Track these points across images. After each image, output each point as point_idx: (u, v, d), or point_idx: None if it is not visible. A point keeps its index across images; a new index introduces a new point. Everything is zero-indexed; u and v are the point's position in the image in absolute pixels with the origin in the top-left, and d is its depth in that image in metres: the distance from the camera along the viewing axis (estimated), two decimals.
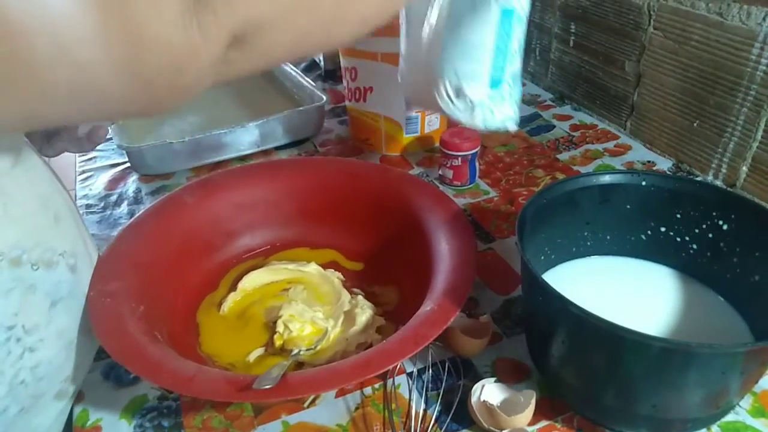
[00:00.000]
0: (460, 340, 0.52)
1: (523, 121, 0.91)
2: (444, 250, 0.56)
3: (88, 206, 0.80)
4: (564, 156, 0.86)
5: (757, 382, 0.46)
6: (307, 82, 0.99)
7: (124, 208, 0.79)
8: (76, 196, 0.82)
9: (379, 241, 0.66)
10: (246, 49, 0.34)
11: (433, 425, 0.48)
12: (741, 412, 0.48)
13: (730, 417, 0.48)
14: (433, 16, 0.55)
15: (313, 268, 0.63)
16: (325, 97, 0.91)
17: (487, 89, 0.55)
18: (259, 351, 0.55)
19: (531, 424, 0.47)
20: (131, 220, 0.64)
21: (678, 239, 0.55)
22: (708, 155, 0.77)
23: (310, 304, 0.58)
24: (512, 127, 0.57)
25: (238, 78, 0.37)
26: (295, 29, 0.35)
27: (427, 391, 0.51)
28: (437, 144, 0.84)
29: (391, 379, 0.52)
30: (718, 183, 0.76)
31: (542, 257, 0.56)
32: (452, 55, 0.54)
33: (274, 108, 0.93)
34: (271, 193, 0.68)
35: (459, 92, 0.55)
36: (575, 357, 0.46)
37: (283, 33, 0.35)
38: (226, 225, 0.66)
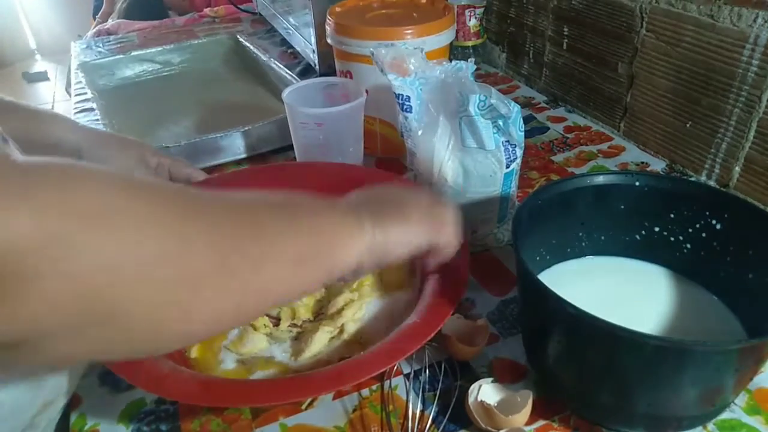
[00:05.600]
0: (455, 347, 0.53)
1: None
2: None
3: None
4: (558, 157, 0.86)
5: (751, 379, 0.47)
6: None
7: None
8: None
9: None
10: (23, 352, 0.28)
11: (431, 426, 0.48)
12: (736, 410, 0.49)
13: (725, 415, 0.48)
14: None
15: None
16: None
17: (494, 226, 0.66)
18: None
19: (528, 423, 0.48)
20: None
21: (672, 239, 0.55)
22: (701, 156, 0.78)
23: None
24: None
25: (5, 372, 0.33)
26: (94, 342, 0.29)
27: (424, 392, 0.51)
28: None
29: (388, 381, 0.52)
30: (712, 183, 0.77)
31: (537, 258, 0.56)
32: (465, 210, 0.59)
33: (270, 111, 0.94)
34: None
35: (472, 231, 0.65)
36: (571, 356, 0.46)
37: (73, 344, 0.29)
38: None
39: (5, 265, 0.24)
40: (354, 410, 0.50)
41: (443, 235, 0.48)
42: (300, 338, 0.55)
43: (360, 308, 0.56)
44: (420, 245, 0.46)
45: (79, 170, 0.28)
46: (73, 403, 0.51)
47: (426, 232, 0.46)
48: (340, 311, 0.55)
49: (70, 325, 0.27)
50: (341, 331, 0.54)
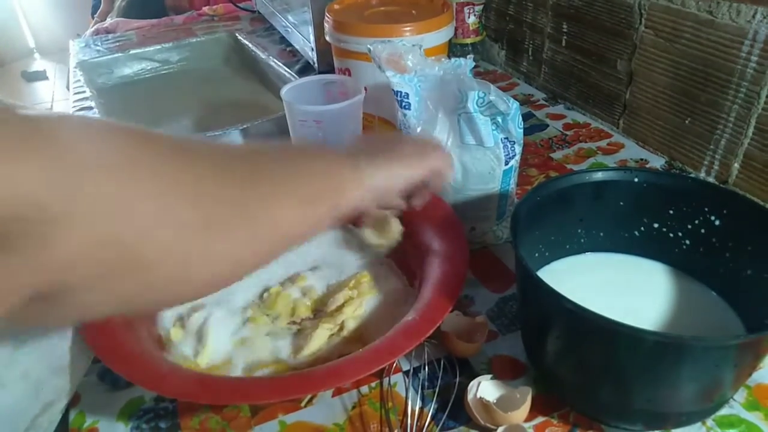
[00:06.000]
0: (454, 343, 0.53)
1: None
2: (435, 251, 0.57)
3: None
4: (557, 155, 0.86)
5: (750, 375, 0.47)
6: None
7: None
8: None
9: None
10: (53, 305, 0.28)
11: (430, 423, 0.48)
12: (735, 406, 0.49)
13: (724, 410, 0.48)
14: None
15: None
16: None
17: (493, 223, 0.67)
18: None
19: (527, 420, 0.48)
20: None
21: (671, 235, 0.55)
22: (700, 152, 0.78)
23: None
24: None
25: (42, 325, 0.34)
26: (119, 294, 0.30)
27: (423, 389, 0.51)
28: None
29: (388, 378, 0.52)
30: (711, 179, 0.77)
31: (536, 254, 0.56)
32: (464, 207, 0.64)
33: (269, 109, 0.94)
34: None
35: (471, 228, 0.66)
36: (570, 353, 0.46)
37: (104, 296, 0.29)
38: None
39: (26, 215, 0.24)
40: (353, 407, 0.50)
41: (435, 159, 0.51)
42: (299, 335, 0.55)
43: (360, 305, 0.56)
44: (416, 176, 0.49)
45: (92, 122, 0.29)
46: (72, 401, 0.51)
47: (419, 163, 0.49)
48: (339, 308, 0.55)
49: (97, 274, 0.27)
50: (341, 328, 0.54)
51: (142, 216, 0.28)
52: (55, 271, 0.26)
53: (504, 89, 1.06)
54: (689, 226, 0.54)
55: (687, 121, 0.78)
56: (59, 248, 0.25)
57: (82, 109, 1.05)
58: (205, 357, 0.52)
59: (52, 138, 0.25)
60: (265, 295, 0.58)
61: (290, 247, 0.40)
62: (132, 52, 1.25)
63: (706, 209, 0.52)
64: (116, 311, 0.32)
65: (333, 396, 0.51)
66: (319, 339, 0.53)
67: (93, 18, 2.66)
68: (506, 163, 0.61)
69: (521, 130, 0.61)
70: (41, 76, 3.71)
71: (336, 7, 0.86)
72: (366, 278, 0.59)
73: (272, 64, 1.10)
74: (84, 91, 1.08)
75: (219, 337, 0.54)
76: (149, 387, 0.46)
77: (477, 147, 0.60)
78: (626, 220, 0.56)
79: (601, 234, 0.58)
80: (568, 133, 0.92)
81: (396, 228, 0.59)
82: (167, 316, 0.56)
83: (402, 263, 0.62)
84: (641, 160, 0.84)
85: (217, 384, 0.46)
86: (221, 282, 0.35)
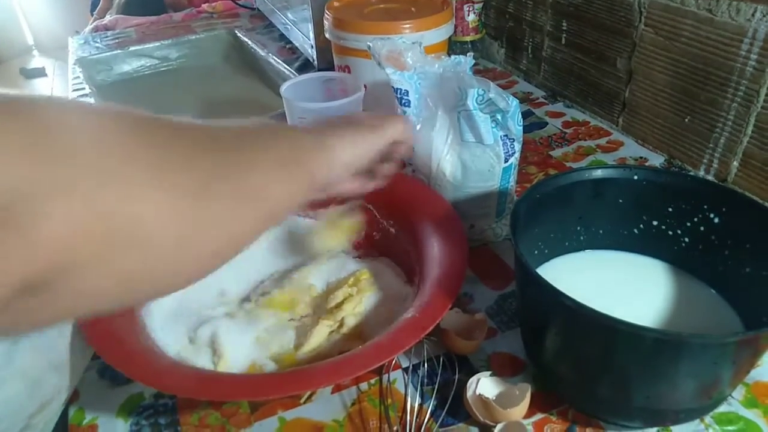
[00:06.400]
0: (454, 341, 0.53)
1: None
2: (434, 249, 0.57)
3: None
4: (557, 152, 0.86)
5: (748, 372, 0.47)
6: None
7: None
8: None
9: (371, 239, 0.66)
10: (44, 298, 0.26)
11: (429, 419, 0.48)
12: (734, 403, 0.49)
13: (723, 408, 0.48)
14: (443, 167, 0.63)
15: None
16: None
17: (492, 221, 0.67)
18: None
19: (526, 417, 0.48)
20: None
21: (670, 233, 0.55)
22: (699, 150, 0.78)
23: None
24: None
25: (35, 328, 0.33)
26: (119, 274, 0.28)
27: (422, 385, 0.51)
28: None
29: (387, 375, 0.52)
30: (710, 177, 0.77)
31: (536, 252, 0.56)
32: (463, 204, 0.64)
33: (268, 106, 0.94)
34: None
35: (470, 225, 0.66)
36: (569, 350, 0.46)
37: (102, 279, 0.27)
38: None
39: (16, 191, 0.23)
40: (353, 404, 0.50)
41: (395, 126, 0.51)
42: (300, 330, 0.55)
43: (360, 302, 0.56)
44: (379, 143, 0.50)
45: (76, 103, 0.29)
46: (71, 397, 0.51)
47: (381, 131, 0.50)
48: (339, 305, 0.55)
49: (93, 252, 0.26)
50: (341, 325, 0.54)
51: (137, 185, 0.27)
52: (48, 251, 0.24)
53: (503, 87, 1.06)
54: (688, 224, 0.54)
55: (686, 120, 0.78)
56: (52, 225, 0.24)
57: None
58: (225, 364, 0.52)
59: (37, 117, 0.25)
60: (263, 292, 0.58)
61: (277, 220, 0.40)
62: (131, 49, 1.25)
63: (706, 207, 0.52)
64: (113, 300, 0.30)
65: (332, 393, 0.51)
66: (319, 335, 0.53)
67: (92, 15, 2.66)
68: (506, 161, 0.61)
69: (521, 128, 0.61)
70: (40, 73, 3.71)
71: (336, 4, 0.86)
72: (365, 275, 0.59)
73: (272, 61, 1.10)
74: (83, 88, 1.08)
75: (234, 341, 0.53)
76: (148, 383, 0.46)
77: (476, 144, 0.60)
78: (625, 217, 0.57)
79: (601, 231, 0.58)
80: (567, 131, 0.92)
81: (347, 225, 0.60)
82: (171, 343, 0.53)
83: (401, 261, 0.62)
84: (640, 158, 0.84)
85: (218, 380, 0.46)
86: (217, 258, 0.35)
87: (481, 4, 1.13)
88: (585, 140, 0.89)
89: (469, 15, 1.13)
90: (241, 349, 0.53)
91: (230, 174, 0.34)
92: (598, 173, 0.55)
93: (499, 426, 0.46)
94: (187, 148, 0.32)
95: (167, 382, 0.45)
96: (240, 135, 0.37)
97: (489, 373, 0.50)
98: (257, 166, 0.36)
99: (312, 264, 0.61)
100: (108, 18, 2.01)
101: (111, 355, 0.47)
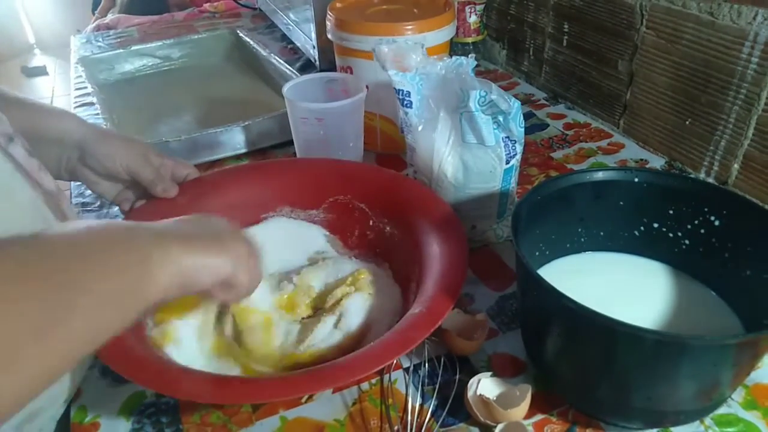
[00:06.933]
0: (454, 341, 0.53)
1: None
2: (435, 251, 0.57)
3: (84, 204, 0.80)
4: (558, 154, 0.86)
5: (748, 374, 0.47)
6: None
7: None
8: (71, 194, 0.82)
9: (372, 241, 0.66)
10: None
11: (430, 419, 0.49)
12: (733, 405, 0.49)
13: (722, 409, 0.48)
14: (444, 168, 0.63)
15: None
16: None
17: (493, 222, 0.67)
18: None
19: (527, 417, 0.48)
20: (124, 219, 0.64)
21: (670, 235, 0.55)
22: (700, 153, 0.78)
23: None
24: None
25: None
26: None
27: (423, 385, 0.51)
28: None
29: (388, 375, 0.52)
30: (710, 180, 0.77)
31: (537, 253, 0.56)
32: (464, 205, 0.64)
33: (270, 107, 0.94)
34: (263, 193, 0.68)
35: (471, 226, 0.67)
36: (570, 351, 0.46)
37: None
38: None
39: None
40: (354, 404, 0.51)
41: (246, 265, 0.46)
42: (303, 328, 0.55)
43: (363, 299, 0.56)
44: (227, 279, 0.44)
45: None
46: (73, 396, 0.52)
47: (236, 269, 0.45)
48: (338, 302, 0.55)
49: None
50: (340, 323, 0.54)
51: None
52: None
53: (505, 89, 1.05)
54: (689, 227, 0.54)
55: (687, 122, 0.78)
56: None
57: (83, 104, 1.05)
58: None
59: None
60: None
61: (92, 347, 0.35)
62: (133, 48, 1.25)
63: (706, 209, 0.53)
64: None
65: (334, 392, 0.51)
66: (322, 331, 0.53)
67: (93, 14, 2.66)
68: (507, 162, 0.62)
69: (522, 130, 0.61)
70: (41, 71, 3.71)
71: (338, 5, 0.87)
72: (364, 275, 0.59)
73: (273, 61, 1.10)
74: (85, 87, 1.08)
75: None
76: (149, 386, 0.46)
77: (478, 146, 0.60)
78: (626, 219, 0.57)
79: (601, 233, 0.58)
80: (568, 132, 0.92)
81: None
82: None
83: (401, 262, 0.62)
84: (641, 160, 0.84)
85: (225, 384, 0.46)
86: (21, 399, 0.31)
87: (482, 6, 1.13)
88: (586, 142, 0.89)
89: (470, 16, 1.13)
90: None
91: (43, 325, 0.30)
92: (599, 175, 0.55)
93: (499, 426, 0.46)
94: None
95: (177, 387, 0.45)
96: (64, 266, 0.33)
97: (490, 373, 0.50)
98: (79, 308, 0.32)
99: (310, 266, 0.61)
100: (110, 17, 2.02)
101: (117, 361, 0.46)
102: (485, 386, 0.49)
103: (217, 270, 0.43)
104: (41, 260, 0.32)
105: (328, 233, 0.67)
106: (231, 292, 0.46)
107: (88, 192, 0.83)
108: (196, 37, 1.32)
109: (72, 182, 0.86)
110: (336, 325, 0.54)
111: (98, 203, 0.80)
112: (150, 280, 0.38)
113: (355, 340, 0.54)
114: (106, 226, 0.38)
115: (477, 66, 0.89)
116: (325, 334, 0.53)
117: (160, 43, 1.27)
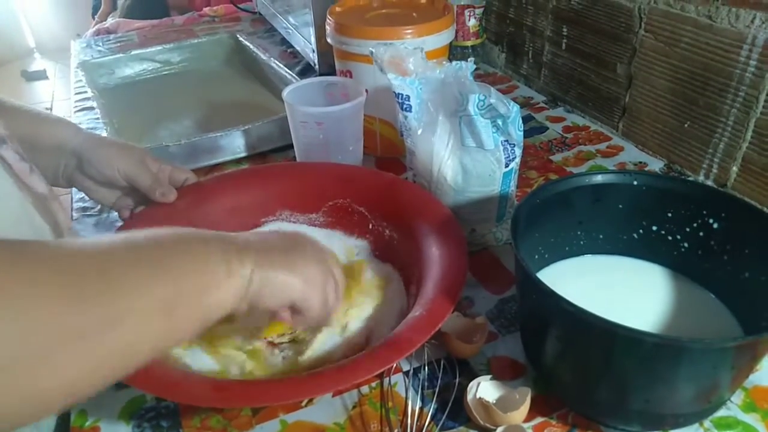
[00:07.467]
0: (454, 344, 0.53)
1: None
2: (434, 255, 0.57)
3: (84, 209, 0.80)
4: (557, 157, 0.86)
5: (747, 377, 0.47)
6: None
7: None
8: (72, 199, 0.82)
9: (372, 245, 0.66)
10: None
11: (430, 423, 0.49)
12: (733, 408, 0.49)
13: (721, 412, 0.48)
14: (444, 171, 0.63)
15: None
16: None
17: (493, 225, 0.67)
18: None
19: (526, 420, 0.48)
20: (123, 224, 0.64)
21: (669, 238, 0.56)
22: (699, 156, 0.78)
23: None
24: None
25: None
26: None
27: (423, 389, 0.52)
28: None
29: (388, 378, 0.52)
30: (709, 183, 0.77)
31: (536, 256, 0.56)
32: (464, 209, 0.64)
33: (270, 111, 0.94)
34: (263, 197, 0.68)
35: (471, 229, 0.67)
36: (569, 354, 0.47)
37: None
38: (218, 230, 0.66)
39: None
40: (353, 407, 0.51)
41: (319, 290, 0.45)
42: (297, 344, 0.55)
43: (368, 306, 0.56)
44: (294, 301, 0.43)
45: None
46: None
47: (305, 292, 0.43)
48: (344, 312, 0.55)
49: None
50: (345, 329, 0.54)
51: None
52: None
53: (504, 92, 1.06)
54: (688, 229, 0.54)
55: (686, 125, 0.78)
56: None
57: (83, 109, 1.05)
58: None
59: None
60: None
61: (153, 356, 0.34)
62: (133, 52, 1.26)
63: (705, 212, 0.53)
64: None
65: (333, 396, 0.52)
66: (321, 342, 0.53)
67: (93, 18, 2.67)
68: (506, 166, 0.62)
69: (521, 133, 0.61)
70: (41, 75, 3.71)
71: (337, 9, 0.87)
72: (362, 265, 0.59)
73: (273, 65, 1.11)
74: (85, 92, 1.08)
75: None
76: (149, 390, 0.46)
77: (477, 149, 0.60)
78: (625, 222, 0.57)
79: (601, 236, 0.58)
80: (567, 135, 0.92)
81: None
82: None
83: (399, 269, 0.63)
84: (640, 163, 0.84)
85: (225, 387, 0.46)
86: (49, 408, 0.31)
87: (482, 9, 1.13)
88: (585, 145, 0.89)
89: (470, 20, 1.13)
90: None
91: (85, 331, 0.30)
92: (598, 178, 0.55)
93: (499, 429, 0.46)
94: (35, 301, 0.28)
95: (179, 392, 0.45)
96: (115, 271, 0.32)
97: (489, 376, 0.50)
98: (127, 317, 0.31)
99: None
100: (110, 21, 2.02)
101: None
102: (485, 389, 0.49)
103: (286, 290, 0.42)
104: (92, 261, 0.31)
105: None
106: (300, 317, 0.45)
107: None
108: (195, 41, 1.32)
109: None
110: (341, 333, 0.54)
111: (98, 207, 0.80)
112: (211, 290, 0.36)
113: (357, 343, 0.54)
114: (182, 235, 0.37)
115: (476, 69, 0.89)
116: (324, 344, 0.53)
117: (160, 48, 1.27)
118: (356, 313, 0.55)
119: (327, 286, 0.46)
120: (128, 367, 0.33)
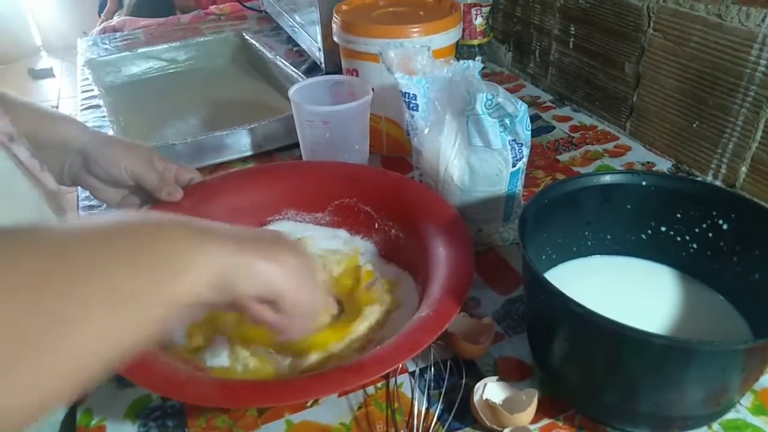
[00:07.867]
0: (460, 345, 0.53)
1: None
2: (441, 255, 0.57)
3: (90, 207, 0.80)
4: (564, 157, 0.86)
5: (757, 380, 0.47)
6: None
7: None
8: (78, 197, 0.82)
9: (377, 245, 0.66)
10: None
11: (436, 423, 0.48)
12: (742, 410, 0.49)
13: (730, 415, 0.48)
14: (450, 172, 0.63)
15: None
16: None
17: (500, 225, 0.67)
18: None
19: (533, 422, 0.48)
20: None
21: (678, 239, 0.55)
22: (707, 156, 0.77)
23: None
24: None
25: None
26: None
27: (429, 389, 0.51)
28: None
29: (394, 379, 0.52)
30: (718, 183, 0.76)
31: (543, 257, 0.56)
32: (471, 208, 0.64)
33: (276, 109, 0.94)
34: (269, 196, 0.68)
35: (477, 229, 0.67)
36: (577, 355, 0.46)
37: None
38: None
39: None
40: (359, 408, 0.50)
41: (302, 281, 0.41)
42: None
43: (378, 313, 0.56)
44: (274, 291, 0.39)
45: None
46: (78, 399, 0.52)
47: (286, 281, 0.40)
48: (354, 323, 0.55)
49: None
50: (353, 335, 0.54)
51: None
52: None
53: (511, 91, 1.06)
54: (696, 230, 0.54)
55: (695, 125, 0.78)
56: None
57: (90, 107, 1.05)
58: None
59: None
60: None
61: (119, 356, 0.31)
62: (140, 50, 1.26)
63: (714, 213, 0.52)
64: None
65: (339, 396, 0.51)
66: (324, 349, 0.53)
67: (100, 16, 2.68)
68: (513, 165, 0.61)
69: (529, 133, 0.61)
70: (48, 73, 3.73)
71: (344, 7, 0.87)
72: (383, 288, 0.59)
73: (279, 63, 1.11)
74: (92, 90, 1.08)
75: None
76: (154, 389, 0.46)
77: (484, 149, 0.60)
78: (633, 223, 0.56)
79: (608, 237, 0.58)
80: (574, 135, 0.92)
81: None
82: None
83: (405, 269, 0.62)
84: (648, 163, 0.84)
85: (231, 387, 0.46)
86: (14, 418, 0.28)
87: (488, 8, 1.13)
88: (592, 145, 0.89)
89: (476, 18, 1.13)
90: None
91: (38, 334, 0.27)
92: (606, 179, 0.55)
93: (506, 431, 0.46)
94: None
95: (186, 393, 0.45)
96: (64, 258, 0.30)
97: (496, 377, 0.50)
98: (72, 322, 0.28)
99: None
100: (116, 19, 2.03)
101: (127, 366, 0.46)
102: (491, 390, 0.49)
103: (262, 277, 0.38)
104: (44, 253, 0.29)
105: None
106: (283, 316, 0.41)
107: None
108: (201, 39, 1.32)
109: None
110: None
111: (104, 206, 0.80)
112: (178, 277, 0.34)
113: (363, 344, 0.54)
114: (133, 217, 0.35)
115: (483, 68, 0.89)
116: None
117: (166, 46, 1.27)
118: (366, 321, 0.55)
119: (312, 281, 0.43)
120: (96, 370, 0.31)
